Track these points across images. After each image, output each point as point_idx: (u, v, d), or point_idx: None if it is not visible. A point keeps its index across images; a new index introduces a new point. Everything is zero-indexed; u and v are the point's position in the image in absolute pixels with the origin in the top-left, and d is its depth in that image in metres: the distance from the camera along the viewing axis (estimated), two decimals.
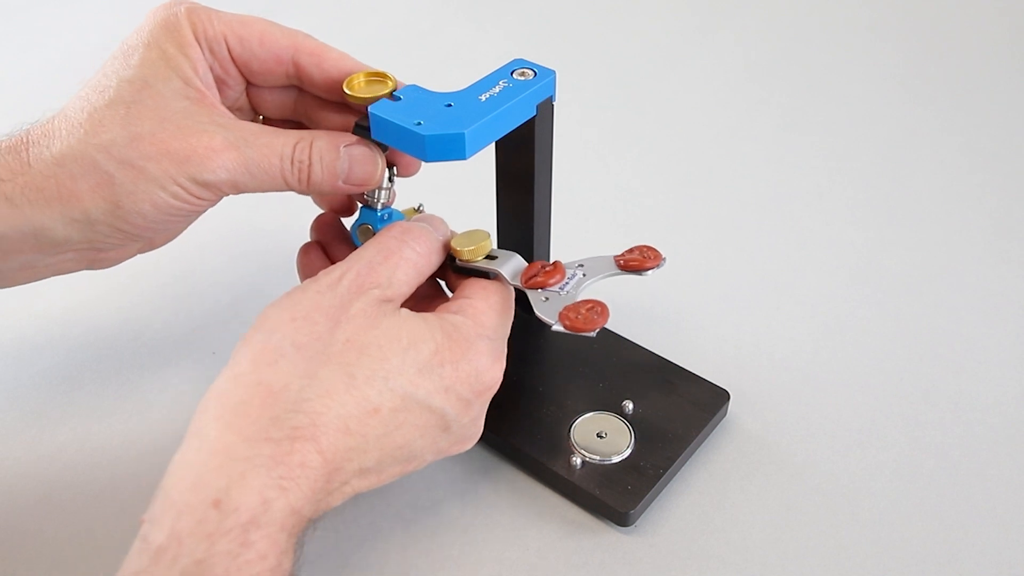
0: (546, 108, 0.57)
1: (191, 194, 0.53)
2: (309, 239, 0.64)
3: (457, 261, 0.57)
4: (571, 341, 0.66)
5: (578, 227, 0.81)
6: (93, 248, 0.56)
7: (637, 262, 0.56)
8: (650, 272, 0.56)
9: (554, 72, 0.57)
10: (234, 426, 0.45)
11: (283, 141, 0.54)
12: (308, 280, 0.52)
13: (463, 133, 0.53)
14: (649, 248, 0.57)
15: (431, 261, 0.55)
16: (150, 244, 0.61)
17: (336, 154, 0.55)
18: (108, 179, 0.52)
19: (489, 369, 0.53)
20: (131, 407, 0.66)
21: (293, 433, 0.46)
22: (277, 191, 0.56)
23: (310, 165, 0.55)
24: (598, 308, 0.53)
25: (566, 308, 0.53)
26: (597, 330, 0.52)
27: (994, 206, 0.84)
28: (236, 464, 0.44)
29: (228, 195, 0.55)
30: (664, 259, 0.57)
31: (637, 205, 0.86)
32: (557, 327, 0.53)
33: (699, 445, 0.62)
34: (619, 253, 0.57)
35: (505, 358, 0.55)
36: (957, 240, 0.81)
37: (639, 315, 0.64)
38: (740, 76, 1.04)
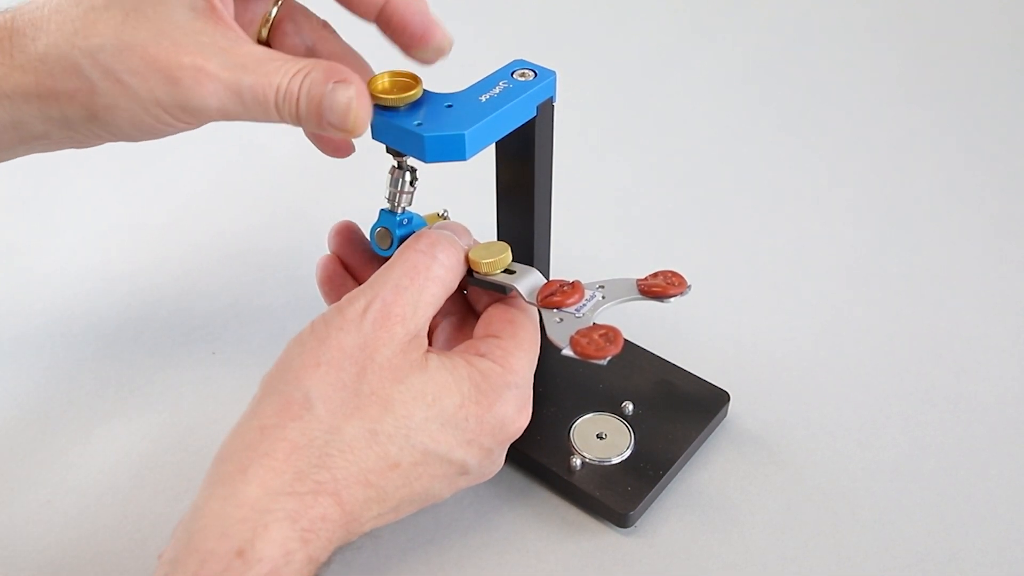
0: (546, 109, 0.57)
1: (174, 118, 0.50)
2: (328, 250, 0.62)
3: (475, 274, 0.56)
4: None
5: (578, 228, 0.81)
6: (74, 141, 0.53)
7: (660, 288, 0.55)
8: (673, 300, 0.55)
9: (554, 73, 0.57)
10: (259, 478, 0.46)
11: (284, 71, 0.50)
12: (332, 310, 0.51)
13: (463, 134, 0.53)
14: (674, 274, 0.56)
15: (458, 275, 0.54)
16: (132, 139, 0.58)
17: (322, 89, 0.50)
18: (90, 87, 0.49)
19: (515, 420, 0.53)
20: (131, 408, 0.66)
21: (316, 488, 0.47)
22: (270, 123, 0.52)
23: (297, 98, 0.50)
24: (611, 335, 0.51)
25: (578, 332, 0.52)
26: (608, 359, 0.50)
27: (994, 206, 0.84)
28: (260, 516, 0.45)
29: (215, 121, 0.51)
30: (689, 286, 0.56)
31: (637, 205, 0.85)
32: (567, 352, 0.51)
33: (699, 445, 0.62)
34: (643, 277, 0.57)
35: (531, 403, 0.54)
36: (957, 240, 0.81)
37: (639, 315, 0.63)
38: (739, 77, 1.04)
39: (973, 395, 0.67)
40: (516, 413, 0.53)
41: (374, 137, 0.56)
